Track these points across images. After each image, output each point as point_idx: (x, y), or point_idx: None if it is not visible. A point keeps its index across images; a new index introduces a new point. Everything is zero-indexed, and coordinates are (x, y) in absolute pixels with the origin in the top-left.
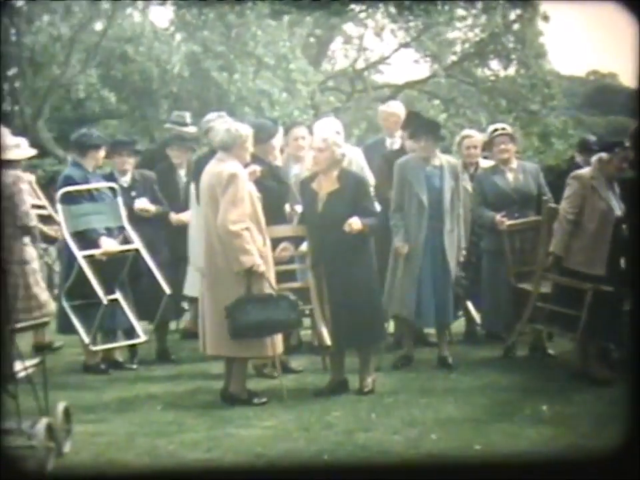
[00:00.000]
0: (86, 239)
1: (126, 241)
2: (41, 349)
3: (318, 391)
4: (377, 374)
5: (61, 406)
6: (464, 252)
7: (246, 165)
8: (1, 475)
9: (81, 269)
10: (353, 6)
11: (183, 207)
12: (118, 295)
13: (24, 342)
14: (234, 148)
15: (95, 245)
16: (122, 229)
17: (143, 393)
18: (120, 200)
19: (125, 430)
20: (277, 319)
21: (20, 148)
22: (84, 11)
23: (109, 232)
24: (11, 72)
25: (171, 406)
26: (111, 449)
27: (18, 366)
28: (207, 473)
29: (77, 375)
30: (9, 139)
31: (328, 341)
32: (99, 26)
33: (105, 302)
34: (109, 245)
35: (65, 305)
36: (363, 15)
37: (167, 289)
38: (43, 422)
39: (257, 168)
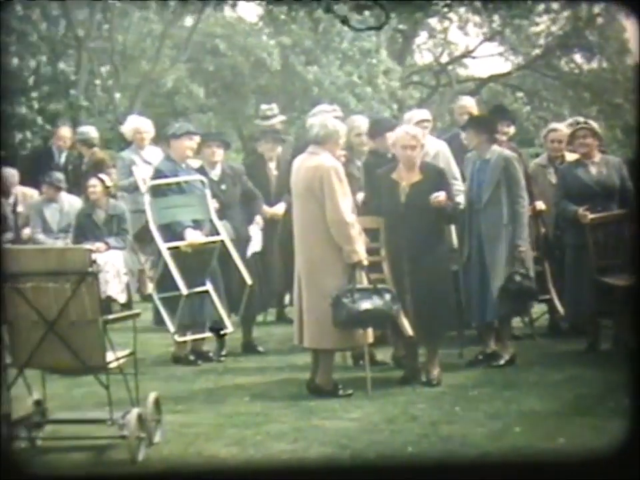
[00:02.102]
0: (172, 231)
1: (215, 233)
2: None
3: (398, 380)
4: (462, 367)
5: (151, 396)
6: (522, 248)
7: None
8: (2, 475)
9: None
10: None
11: (274, 200)
12: (209, 287)
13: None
14: (329, 143)
15: (181, 237)
16: (210, 221)
17: (230, 384)
18: (208, 192)
19: (213, 420)
20: (382, 309)
21: None
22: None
23: (197, 224)
24: (104, 69)
25: (258, 397)
26: (199, 439)
27: (110, 357)
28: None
29: (167, 366)
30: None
31: (410, 331)
32: (188, 21)
33: (184, 293)
34: (193, 236)
35: (155, 296)
36: (446, 9)
37: (249, 280)
38: (134, 412)
39: (341, 152)
